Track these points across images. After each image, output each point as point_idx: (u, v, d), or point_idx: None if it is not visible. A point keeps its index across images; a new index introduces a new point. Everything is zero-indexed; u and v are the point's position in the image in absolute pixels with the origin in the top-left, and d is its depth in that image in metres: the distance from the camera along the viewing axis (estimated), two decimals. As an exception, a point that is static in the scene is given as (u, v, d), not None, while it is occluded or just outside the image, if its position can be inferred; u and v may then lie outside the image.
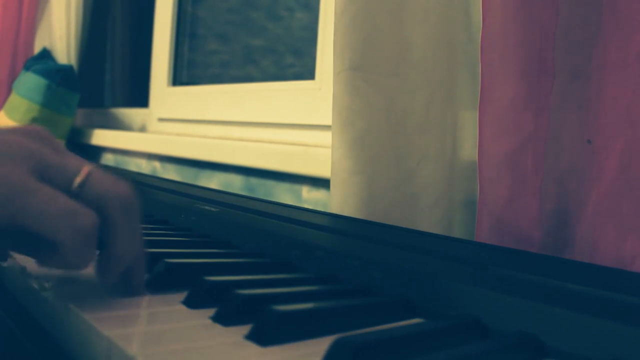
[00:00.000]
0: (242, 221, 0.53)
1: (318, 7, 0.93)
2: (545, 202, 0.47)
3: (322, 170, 0.76)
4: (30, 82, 1.39)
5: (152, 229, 0.55)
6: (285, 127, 0.99)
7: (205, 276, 0.34)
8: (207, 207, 0.59)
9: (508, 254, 0.42)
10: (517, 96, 0.47)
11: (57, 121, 1.41)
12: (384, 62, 0.57)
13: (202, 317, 0.30)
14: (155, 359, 0.25)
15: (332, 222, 0.54)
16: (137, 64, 1.69)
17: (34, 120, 1.37)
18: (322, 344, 0.25)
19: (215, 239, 0.52)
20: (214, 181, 1.05)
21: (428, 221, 0.57)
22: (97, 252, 0.31)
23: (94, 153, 1.50)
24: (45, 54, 1.55)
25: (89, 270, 0.32)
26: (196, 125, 1.23)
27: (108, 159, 1.44)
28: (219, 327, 0.29)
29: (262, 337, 0.27)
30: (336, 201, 0.60)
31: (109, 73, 1.79)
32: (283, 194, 0.89)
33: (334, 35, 0.60)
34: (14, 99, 1.41)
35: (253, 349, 0.26)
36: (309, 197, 0.84)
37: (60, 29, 1.52)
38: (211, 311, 0.30)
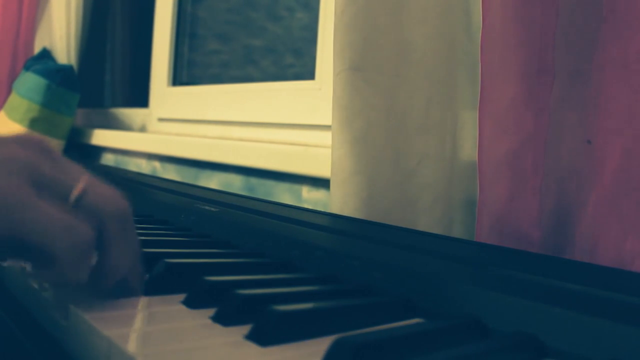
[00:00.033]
0: (242, 221, 0.53)
1: (318, 7, 0.93)
2: (545, 202, 0.47)
3: (322, 170, 0.76)
4: (30, 82, 1.39)
5: (152, 229, 0.55)
6: (285, 127, 0.99)
7: (205, 276, 0.34)
8: (207, 207, 0.59)
9: (508, 254, 0.42)
10: (517, 96, 0.47)
11: (57, 121, 1.41)
12: (384, 62, 0.57)
13: (202, 317, 0.30)
14: (155, 358, 0.25)
15: (332, 222, 0.54)
16: (137, 64, 1.69)
17: (34, 120, 1.37)
18: (322, 344, 0.25)
19: (215, 239, 0.52)
20: (214, 181, 1.05)
21: (428, 221, 0.57)
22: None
23: (94, 153, 1.50)
24: (45, 54, 1.55)
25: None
26: (196, 125, 1.23)
27: (108, 159, 1.44)
28: (219, 327, 0.29)
29: (262, 337, 0.27)
30: (336, 201, 0.60)
31: (109, 73, 1.79)
32: (283, 194, 0.89)
33: (334, 35, 0.60)
34: (14, 99, 1.41)
35: (253, 349, 0.26)
36: (309, 197, 0.84)
37: (60, 29, 1.52)
38: (211, 311, 0.30)
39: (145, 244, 0.44)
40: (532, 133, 0.46)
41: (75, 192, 0.30)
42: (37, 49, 1.63)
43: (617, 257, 0.42)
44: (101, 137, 1.41)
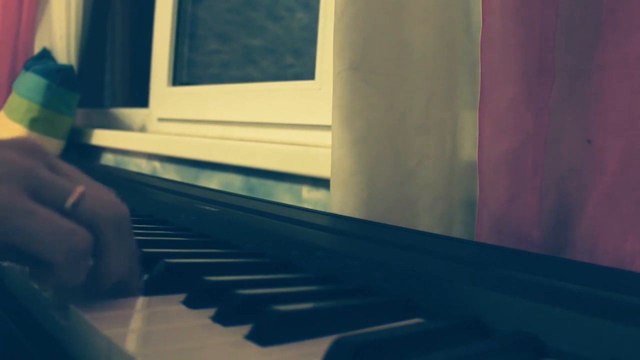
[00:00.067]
0: (242, 221, 0.53)
1: (318, 7, 0.93)
2: (545, 202, 0.47)
3: (322, 170, 0.76)
4: (30, 82, 1.39)
5: (152, 229, 0.55)
6: (285, 127, 0.99)
7: (205, 276, 0.34)
8: (207, 207, 0.59)
9: (508, 254, 0.42)
10: (517, 96, 0.47)
11: (57, 121, 1.41)
12: (384, 62, 0.57)
13: (202, 317, 0.30)
14: (155, 358, 0.25)
15: (332, 222, 0.54)
16: (137, 64, 1.69)
17: (34, 120, 1.37)
18: (322, 344, 0.25)
19: (215, 239, 0.52)
20: (214, 181, 1.05)
21: (428, 221, 0.57)
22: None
23: (94, 153, 1.50)
24: (45, 54, 1.55)
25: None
26: (196, 125, 1.23)
27: (108, 159, 1.44)
28: (219, 327, 0.29)
29: (262, 337, 0.27)
30: (336, 201, 0.60)
31: (109, 73, 1.79)
32: (283, 194, 0.89)
33: (334, 35, 0.60)
34: (14, 99, 1.41)
35: (253, 349, 0.26)
36: (309, 197, 0.84)
37: (60, 29, 1.52)
38: (211, 311, 0.30)
39: (145, 244, 0.44)
40: (532, 133, 0.46)
41: (72, 198, 0.30)
42: (37, 49, 1.63)
43: (617, 257, 0.42)
44: (101, 137, 1.41)
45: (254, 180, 0.95)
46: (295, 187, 0.86)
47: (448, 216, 0.57)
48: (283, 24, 2.28)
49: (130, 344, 0.26)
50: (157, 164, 1.23)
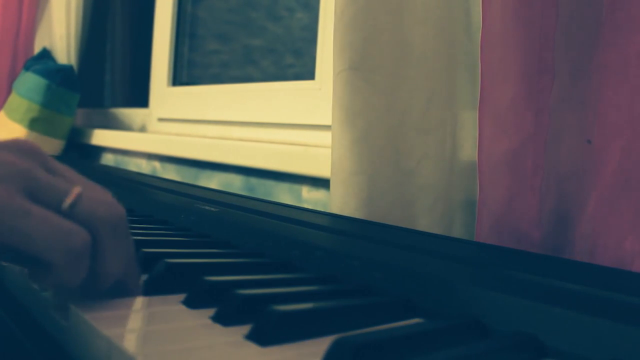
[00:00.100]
0: (242, 221, 0.53)
1: (318, 7, 0.93)
2: (545, 202, 0.47)
3: (322, 170, 0.76)
4: (30, 82, 1.39)
5: (152, 229, 0.55)
6: (285, 127, 0.99)
7: (205, 276, 0.34)
8: (207, 207, 0.59)
9: (508, 254, 0.42)
10: (517, 96, 0.47)
11: (57, 121, 1.41)
12: (384, 62, 0.57)
13: (202, 317, 0.30)
14: (155, 358, 0.25)
15: (332, 222, 0.54)
16: (137, 64, 1.69)
17: (34, 120, 1.37)
18: (322, 344, 0.25)
19: (215, 239, 0.52)
20: (214, 181, 1.05)
21: (428, 221, 0.57)
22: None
23: (94, 153, 1.50)
24: (45, 54, 1.55)
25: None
26: (196, 125, 1.23)
27: (108, 159, 1.44)
28: (219, 327, 0.29)
29: (262, 337, 0.27)
30: (336, 201, 0.60)
31: (109, 73, 1.79)
32: (283, 194, 0.89)
33: (334, 35, 0.60)
34: (14, 99, 1.41)
35: (253, 349, 0.26)
36: (309, 197, 0.84)
37: (60, 29, 1.52)
38: (211, 311, 0.30)
39: (145, 244, 0.44)
40: (532, 133, 0.46)
41: (69, 199, 0.30)
42: (37, 49, 1.63)
43: (617, 257, 0.42)
44: (101, 137, 1.41)
45: (254, 180, 0.95)
46: (295, 187, 0.86)
47: (448, 216, 0.57)
48: (283, 24, 2.28)
49: (130, 344, 0.26)
50: (157, 164, 1.23)
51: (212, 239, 0.52)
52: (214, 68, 2.08)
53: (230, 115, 1.12)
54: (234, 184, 0.99)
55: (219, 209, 0.59)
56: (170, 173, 1.18)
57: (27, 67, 1.45)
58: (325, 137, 0.89)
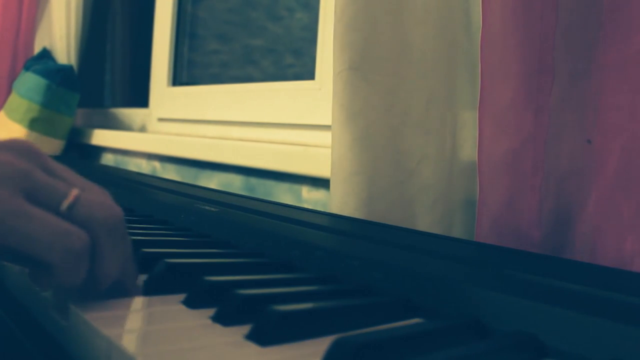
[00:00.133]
0: (242, 221, 0.53)
1: (318, 7, 0.93)
2: (545, 202, 0.47)
3: (322, 170, 0.76)
4: (30, 82, 1.39)
5: (152, 229, 0.55)
6: (285, 127, 0.99)
7: (205, 276, 0.34)
8: (207, 207, 0.59)
9: (508, 254, 0.42)
10: (517, 96, 0.47)
11: (57, 121, 1.41)
12: (384, 62, 0.57)
13: (202, 317, 0.30)
14: (155, 358, 0.25)
15: (332, 222, 0.54)
16: (137, 64, 1.69)
17: (34, 120, 1.37)
18: (322, 344, 0.25)
19: (215, 239, 0.52)
20: (214, 181, 1.05)
21: (428, 221, 0.57)
22: None
23: (94, 153, 1.50)
24: (45, 54, 1.55)
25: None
26: (196, 125, 1.23)
27: (108, 159, 1.44)
28: (219, 327, 0.29)
29: (262, 337, 0.27)
30: (336, 201, 0.60)
31: (109, 73, 1.79)
32: (283, 194, 0.89)
33: (334, 35, 0.60)
34: (14, 99, 1.41)
35: (253, 349, 0.26)
36: (309, 197, 0.84)
37: (60, 29, 1.52)
38: (211, 311, 0.30)
39: (145, 244, 0.44)
40: (532, 133, 0.46)
41: (67, 201, 0.30)
42: (37, 49, 1.63)
43: (617, 257, 0.42)
44: (101, 137, 1.41)
45: (254, 180, 0.95)
46: (295, 187, 0.86)
47: (448, 216, 0.57)
48: (283, 24, 2.28)
49: (130, 344, 0.26)
50: (157, 164, 1.23)
51: (212, 239, 0.52)
52: (213, 68, 2.08)
53: (230, 115, 1.12)
54: (234, 184, 0.99)
55: (219, 209, 0.59)
56: (170, 173, 1.18)
57: (27, 67, 1.45)
58: (325, 137, 0.89)
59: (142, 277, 0.36)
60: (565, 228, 0.46)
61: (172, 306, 0.32)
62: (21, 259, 0.30)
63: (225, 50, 2.14)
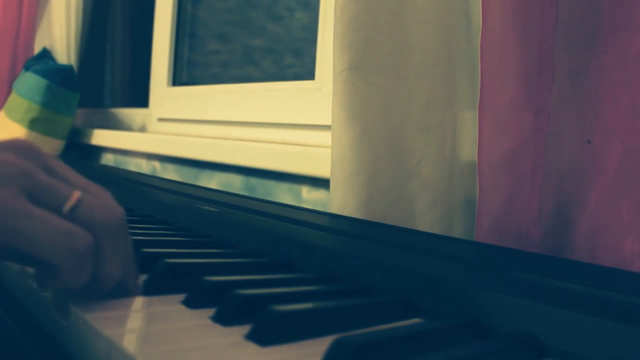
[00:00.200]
0: (242, 221, 0.53)
1: (318, 7, 0.93)
2: (545, 202, 0.47)
3: (322, 170, 0.76)
4: (30, 82, 1.39)
5: (152, 229, 0.55)
6: (285, 127, 0.99)
7: (205, 276, 0.34)
8: (207, 207, 0.59)
9: (508, 254, 0.42)
10: (517, 96, 0.47)
11: (57, 121, 1.41)
12: (384, 62, 0.57)
13: (202, 317, 0.30)
14: (155, 358, 0.25)
15: (332, 222, 0.54)
16: (137, 64, 1.69)
17: (34, 120, 1.37)
18: (322, 344, 0.25)
19: (215, 239, 0.52)
20: (214, 181, 1.05)
21: (428, 221, 0.57)
22: None
23: (94, 153, 1.50)
24: (45, 54, 1.55)
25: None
26: (196, 125, 1.23)
27: (108, 159, 1.44)
28: (218, 327, 0.29)
29: (262, 337, 0.27)
30: (336, 201, 0.60)
31: (109, 73, 1.79)
32: (283, 194, 0.89)
33: (334, 35, 0.60)
34: (14, 99, 1.41)
35: (253, 349, 0.26)
36: (309, 197, 0.84)
37: (60, 29, 1.52)
38: (211, 311, 0.30)
39: (145, 244, 0.44)
40: (532, 133, 0.46)
41: (69, 203, 0.30)
42: (37, 49, 1.63)
43: (617, 257, 0.42)
44: (101, 137, 1.41)
45: (254, 180, 0.95)
46: (295, 187, 0.86)
47: (448, 216, 0.57)
48: (283, 24, 2.28)
49: (130, 344, 0.26)
50: (157, 164, 1.23)
51: (212, 239, 0.52)
52: (213, 68, 2.08)
53: (230, 115, 1.12)
54: (234, 184, 0.99)
55: (219, 209, 0.59)
56: (170, 173, 1.18)
57: (27, 67, 1.45)
58: (325, 137, 0.89)
59: (142, 277, 0.36)
60: (565, 228, 0.46)
61: (172, 306, 0.32)
62: (25, 259, 0.30)
63: (225, 50, 2.14)
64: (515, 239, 0.48)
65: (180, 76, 1.43)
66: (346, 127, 0.59)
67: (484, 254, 0.42)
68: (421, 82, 0.57)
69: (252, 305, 0.30)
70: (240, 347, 0.26)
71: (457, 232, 0.58)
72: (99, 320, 0.28)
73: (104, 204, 0.32)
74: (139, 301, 0.33)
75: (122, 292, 0.33)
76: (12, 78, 1.56)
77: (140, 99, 1.49)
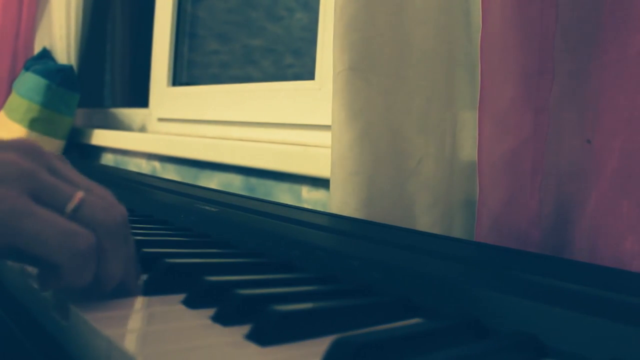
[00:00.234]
0: (242, 221, 0.53)
1: (318, 7, 0.93)
2: (545, 202, 0.47)
3: (322, 170, 0.76)
4: (30, 82, 1.39)
5: (152, 229, 0.55)
6: (285, 127, 0.99)
7: (205, 276, 0.34)
8: (207, 207, 0.59)
9: (508, 254, 0.42)
10: (517, 96, 0.47)
11: (57, 121, 1.41)
12: (384, 62, 0.57)
13: (202, 317, 0.30)
14: (155, 358, 0.25)
15: (332, 222, 0.54)
16: (137, 64, 1.69)
17: (34, 120, 1.37)
18: (322, 344, 0.25)
19: (215, 239, 0.52)
20: (214, 181, 1.05)
21: (428, 221, 0.57)
22: None
23: (94, 153, 1.50)
24: (45, 54, 1.55)
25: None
26: (196, 125, 1.23)
27: (108, 159, 1.44)
28: (218, 327, 0.29)
29: (262, 337, 0.27)
30: (336, 201, 0.60)
31: (109, 73, 1.79)
32: (283, 194, 0.89)
33: (334, 35, 0.60)
34: (14, 99, 1.41)
35: (253, 349, 0.26)
36: (309, 197, 0.84)
37: (60, 29, 1.52)
38: (211, 311, 0.30)
39: (145, 244, 0.44)
40: (532, 133, 0.46)
41: (72, 203, 0.30)
42: (37, 49, 1.63)
43: (617, 257, 0.42)
44: (101, 137, 1.41)
45: (254, 180, 0.95)
46: (295, 187, 0.86)
47: (448, 216, 0.57)
48: (283, 24, 2.28)
49: (130, 344, 0.26)
50: (157, 164, 1.23)
51: (212, 239, 0.52)
52: (213, 68, 2.08)
53: (230, 115, 1.12)
54: (234, 184, 0.99)
55: (219, 209, 0.59)
56: (170, 173, 1.18)
57: (27, 67, 1.45)
58: (325, 137, 0.89)
59: (142, 277, 0.36)
60: (565, 228, 0.46)
61: (172, 306, 0.32)
62: (27, 259, 0.30)
63: (225, 50, 2.14)
64: (515, 239, 0.48)
65: (180, 76, 1.43)
66: (346, 127, 0.59)
67: (484, 254, 0.42)
68: (421, 82, 0.57)
69: (252, 305, 0.30)
70: (240, 347, 0.26)
71: (457, 232, 0.58)
72: (99, 321, 0.28)
73: (107, 204, 0.32)
74: (139, 301, 0.33)
75: (123, 292, 0.33)
76: (12, 78, 1.56)
77: (140, 99, 1.49)
